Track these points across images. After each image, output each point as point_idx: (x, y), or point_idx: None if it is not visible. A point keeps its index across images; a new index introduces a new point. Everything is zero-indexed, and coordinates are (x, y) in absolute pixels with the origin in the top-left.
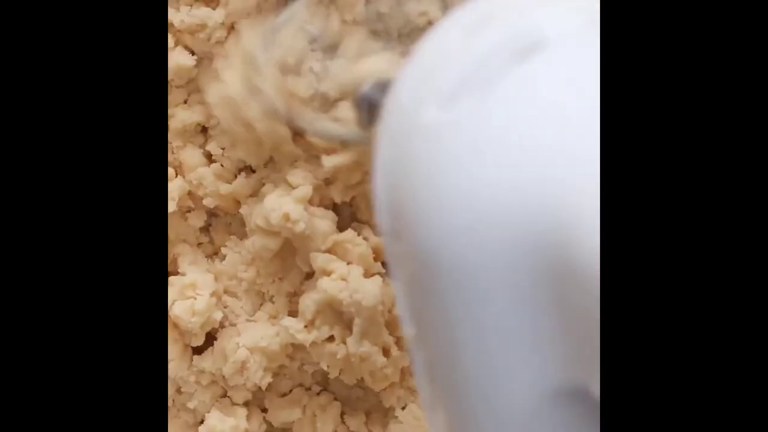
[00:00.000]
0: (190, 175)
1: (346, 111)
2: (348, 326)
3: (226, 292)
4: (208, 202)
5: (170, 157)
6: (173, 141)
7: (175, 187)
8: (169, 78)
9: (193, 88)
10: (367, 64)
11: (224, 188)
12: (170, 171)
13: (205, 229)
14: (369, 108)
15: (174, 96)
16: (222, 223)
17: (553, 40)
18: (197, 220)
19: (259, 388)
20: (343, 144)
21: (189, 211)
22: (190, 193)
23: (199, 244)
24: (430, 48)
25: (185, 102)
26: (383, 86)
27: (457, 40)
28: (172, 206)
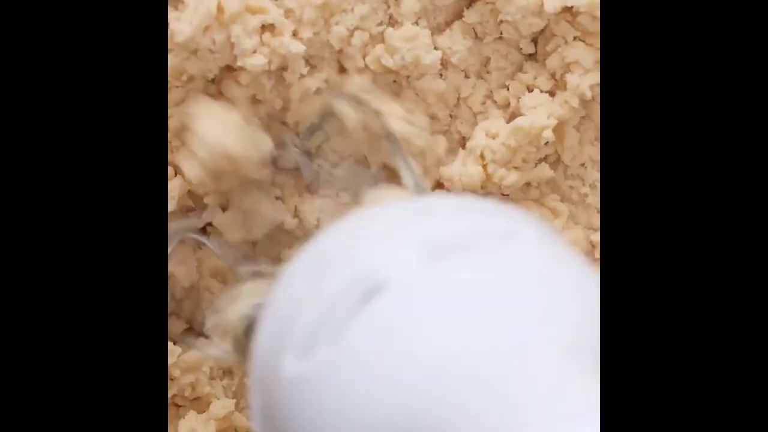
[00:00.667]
0: None
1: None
2: None
3: (210, 291)
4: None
5: (169, 157)
6: (172, 140)
7: (174, 186)
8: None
9: (192, 87)
10: (246, 290)
11: None
12: (170, 171)
13: (204, 229)
14: (249, 329)
15: (173, 95)
16: None
17: (392, 280)
18: (197, 220)
19: None
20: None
21: (189, 211)
22: (189, 192)
23: None
24: (279, 299)
25: (184, 101)
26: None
27: (302, 289)
28: (172, 205)
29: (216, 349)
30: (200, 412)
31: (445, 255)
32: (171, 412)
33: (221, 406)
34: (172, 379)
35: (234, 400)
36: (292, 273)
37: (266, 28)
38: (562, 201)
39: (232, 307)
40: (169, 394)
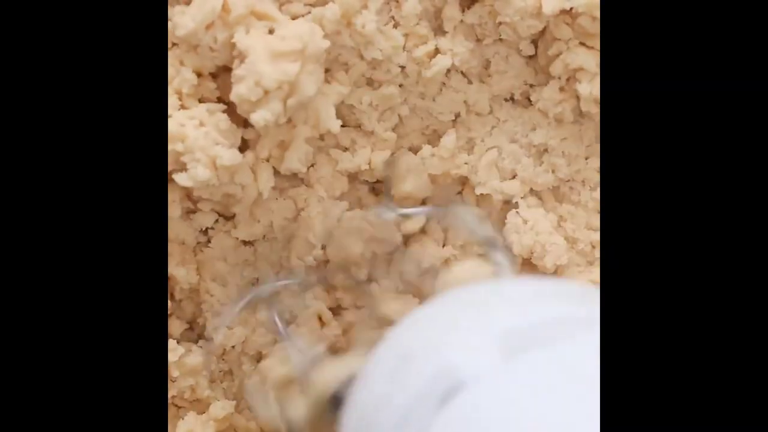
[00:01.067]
0: None
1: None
2: None
3: (209, 294)
4: (203, 205)
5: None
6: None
7: (174, 188)
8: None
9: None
10: (336, 367)
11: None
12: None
13: (204, 231)
14: (336, 403)
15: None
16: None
17: (470, 380)
18: (200, 221)
19: None
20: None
21: (192, 212)
22: (189, 196)
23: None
24: (362, 397)
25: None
26: (349, 383)
27: (383, 388)
28: (176, 210)
29: (292, 408)
30: (200, 413)
31: (522, 351)
32: (170, 412)
33: (221, 407)
34: (172, 381)
35: (234, 402)
36: (373, 371)
37: (271, 33)
38: (561, 202)
39: (322, 374)
40: (169, 395)
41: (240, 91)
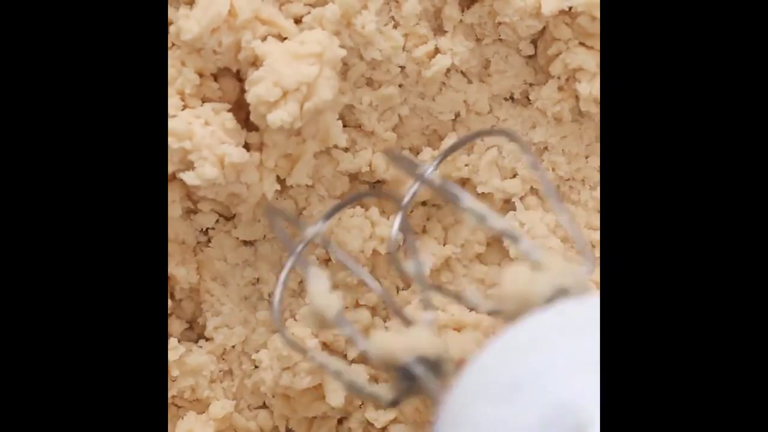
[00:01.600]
0: None
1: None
2: None
3: (209, 293)
4: (203, 205)
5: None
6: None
7: (174, 187)
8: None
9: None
10: (410, 336)
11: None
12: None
13: (205, 231)
14: (407, 379)
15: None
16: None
17: (596, 420)
18: (201, 221)
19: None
20: (376, 403)
21: (192, 212)
22: (189, 196)
23: (198, 243)
24: (460, 420)
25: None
26: (424, 363)
27: (488, 414)
28: (177, 210)
29: (354, 374)
30: (200, 412)
31: None
32: (170, 412)
33: (221, 406)
34: (172, 380)
35: (234, 401)
36: (469, 393)
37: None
38: (561, 201)
39: (397, 341)
40: (169, 395)
41: (258, 91)
